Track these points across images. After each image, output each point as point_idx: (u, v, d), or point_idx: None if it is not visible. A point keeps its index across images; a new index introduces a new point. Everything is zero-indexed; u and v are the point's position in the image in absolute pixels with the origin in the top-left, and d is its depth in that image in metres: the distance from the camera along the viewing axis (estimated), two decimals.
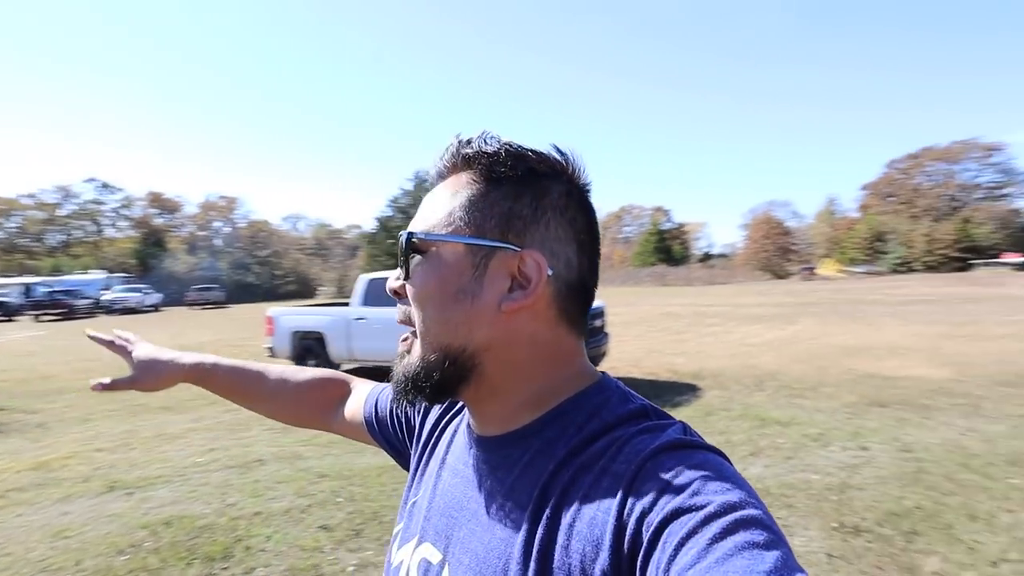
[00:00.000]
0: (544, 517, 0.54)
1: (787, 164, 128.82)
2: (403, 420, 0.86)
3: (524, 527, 0.55)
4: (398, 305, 0.65)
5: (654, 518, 0.46)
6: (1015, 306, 16.24)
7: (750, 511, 0.45)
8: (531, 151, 0.61)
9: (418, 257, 0.61)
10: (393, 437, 0.87)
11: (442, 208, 0.62)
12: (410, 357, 0.62)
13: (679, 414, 4.28)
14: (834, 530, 3.10)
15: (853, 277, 47.61)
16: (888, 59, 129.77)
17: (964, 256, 48.80)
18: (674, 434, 0.55)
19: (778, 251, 61.95)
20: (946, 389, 6.50)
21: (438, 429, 0.77)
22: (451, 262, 0.60)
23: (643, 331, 13.82)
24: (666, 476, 0.49)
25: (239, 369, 1.04)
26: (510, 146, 0.60)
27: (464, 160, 0.63)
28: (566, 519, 0.53)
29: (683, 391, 6.99)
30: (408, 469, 0.83)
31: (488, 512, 0.60)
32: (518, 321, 0.61)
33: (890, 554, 2.82)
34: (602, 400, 0.61)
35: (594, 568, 0.49)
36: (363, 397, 0.96)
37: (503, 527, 0.58)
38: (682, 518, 0.45)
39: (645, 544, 0.46)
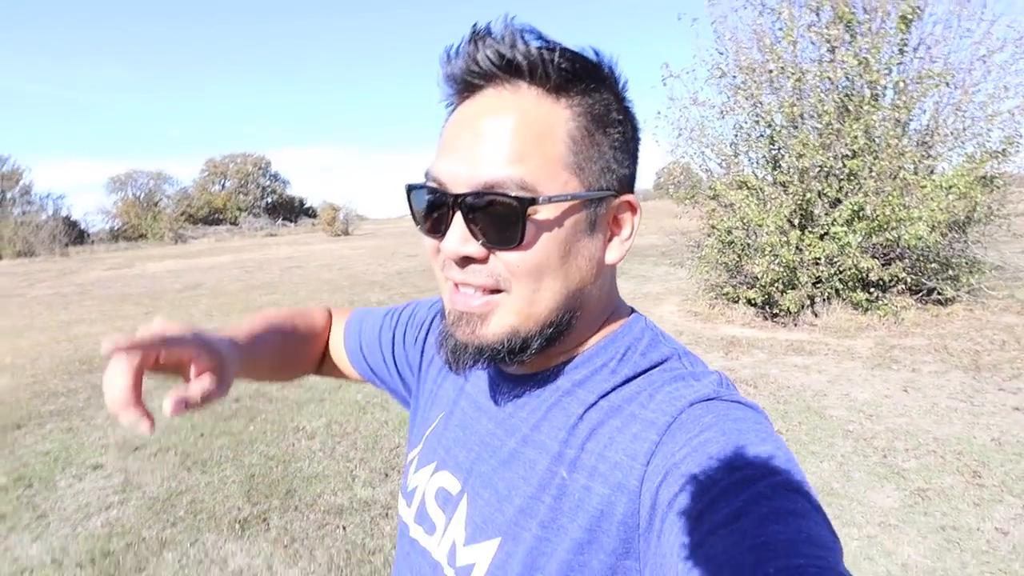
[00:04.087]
0: (568, 459, 0.53)
1: None
2: (400, 343, 0.81)
3: (547, 467, 0.54)
4: (460, 266, 0.54)
5: (687, 471, 0.44)
6: None
7: (789, 475, 0.43)
8: (610, 68, 0.54)
9: (533, 224, 0.51)
10: (383, 365, 0.83)
11: (539, 155, 0.51)
12: (490, 327, 0.54)
13: None
14: None
15: None
16: None
17: None
18: (711, 386, 0.52)
19: None
20: None
21: None
22: (570, 224, 0.53)
23: None
24: (701, 430, 0.47)
25: (275, 336, 0.81)
26: (601, 64, 0.53)
27: (552, 80, 0.51)
28: (590, 460, 0.52)
29: None
30: (399, 396, 0.83)
31: (512, 449, 0.58)
32: (609, 272, 0.59)
33: None
34: (634, 340, 0.59)
35: (615, 511, 0.49)
36: (342, 331, 0.90)
37: (526, 466, 0.56)
38: (717, 476, 0.43)
39: (675, 496, 0.44)
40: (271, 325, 0.80)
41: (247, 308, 10.20)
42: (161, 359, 0.54)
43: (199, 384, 0.55)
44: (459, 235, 0.52)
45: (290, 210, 56.16)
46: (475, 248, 0.52)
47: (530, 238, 0.51)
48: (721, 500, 0.41)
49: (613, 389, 0.56)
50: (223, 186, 55.19)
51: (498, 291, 0.53)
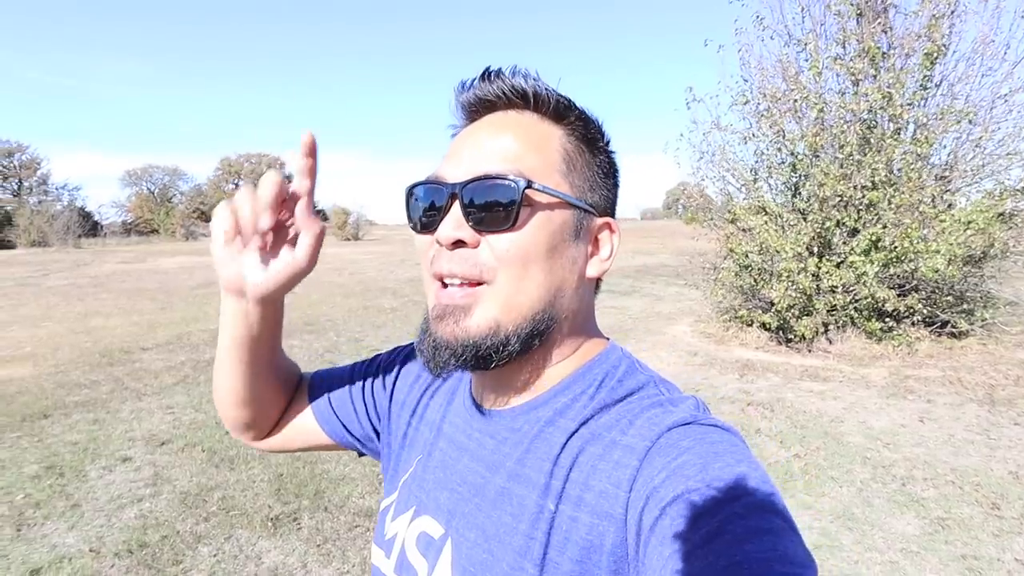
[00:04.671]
0: (555, 491, 0.53)
1: None
2: (370, 392, 0.78)
3: (535, 501, 0.54)
4: (445, 254, 0.57)
5: (666, 495, 0.45)
6: None
7: (764, 495, 0.44)
8: (594, 118, 0.62)
9: (528, 209, 0.55)
10: (355, 421, 0.78)
11: (537, 157, 0.57)
12: (473, 319, 0.55)
13: None
14: None
15: None
16: None
17: None
18: (688, 410, 0.53)
19: None
20: None
21: (424, 395, 0.74)
22: (559, 220, 0.57)
23: None
24: (679, 454, 0.48)
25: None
26: (585, 109, 0.61)
27: (550, 108, 0.59)
28: (575, 491, 0.52)
29: None
30: (369, 449, 0.79)
31: (496, 486, 0.58)
32: (587, 289, 0.62)
33: None
34: (612, 367, 0.60)
35: (604, 541, 0.49)
36: (306, 393, 0.81)
37: (513, 502, 0.56)
38: (694, 498, 0.44)
39: (656, 520, 0.45)
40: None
41: None
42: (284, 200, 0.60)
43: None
44: (454, 220, 0.56)
45: None
46: (468, 233, 0.55)
47: (523, 221, 0.55)
48: (698, 521, 0.42)
49: (592, 416, 0.56)
50: (236, 185, 55.42)
51: (481, 283, 0.55)
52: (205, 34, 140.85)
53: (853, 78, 6.48)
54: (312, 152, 0.60)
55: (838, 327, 6.61)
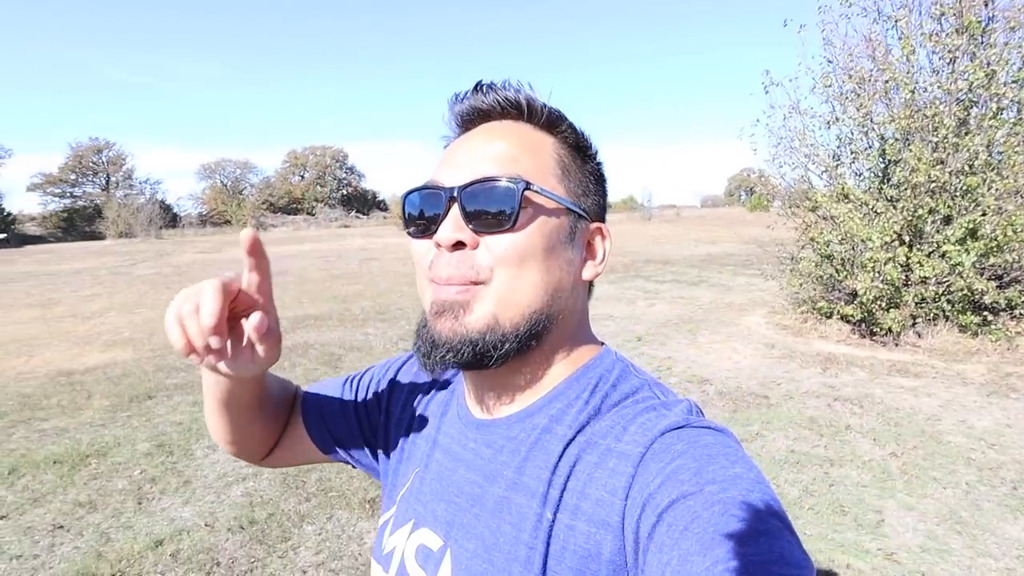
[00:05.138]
0: (552, 500, 0.53)
1: None
2: (363, 408, 0.78)
3: (534, 510, 0.54)
4: (444, 257, 0.57)
5: (662, 501, 0.45)
6: None
7: (759, 497, 0.44)
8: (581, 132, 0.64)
9: (526, 210, 0.56)
10: (348, 434, 0.78)
11: (533, 162, 0.58)
12: (472, 315, 0.56)
13: None
14: None
15: None
16: None
17: None
18: (681, 414, 0.54)
19: None
20: None
21: (418, 408, 0.74)
22: (555, 223, 0.58)
23: None
24: (673, 458, 0.48)
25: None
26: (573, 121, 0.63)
27: (543, 118, 0.61)
28: (572, 500, 0.52)
29: None
30: (364, 465, 0.79)
31: (495, 496, 0.58)
32: (582, 292, 0.63)
33: None
34: (605, 371, 0.60)
35: (602, 550, 0.49)
36: (299, 407, 0.81)
37: (513, 511, 0.55)
38: (689, 502, 0.44)
39: (652, 526, 0.45)
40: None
41: (333, 297, 10.67)
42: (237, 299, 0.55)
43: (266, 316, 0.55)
44: (453, 223, 0.56)
45: (363, 203, 58.07)
46: (468, 234, 0.56)
47: (522, 222, 0.56)
48: (694, 526, 0.42)
49: (588, 422, 0.56)
50: (302, 177, 57.53)
51: (476, 283, 0.56)
52: (267, 32, 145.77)
53: (950, 55, 6.08)
54: (254, 250, 0.55)
55: (927, 320, 6.27)
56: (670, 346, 6.50)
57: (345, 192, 57.99)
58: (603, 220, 0.65)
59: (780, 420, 4.26)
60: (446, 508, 0.61)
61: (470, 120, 0.63)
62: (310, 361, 6.28)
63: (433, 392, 0.74)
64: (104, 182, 47.13)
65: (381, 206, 57.61)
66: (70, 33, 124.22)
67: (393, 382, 0.79)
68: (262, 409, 0.74)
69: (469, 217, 0.56)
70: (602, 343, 0.66)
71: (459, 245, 0.56)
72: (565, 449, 0.55)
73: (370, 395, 0.79)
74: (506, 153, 0.58)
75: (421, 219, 0.60)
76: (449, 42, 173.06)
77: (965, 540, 2.73)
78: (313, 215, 49.40)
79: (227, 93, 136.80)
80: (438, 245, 0.57)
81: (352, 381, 0.82)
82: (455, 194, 0.56)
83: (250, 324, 0.54)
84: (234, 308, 0.55)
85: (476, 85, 0.62)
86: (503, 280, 0.55)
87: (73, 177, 46.27)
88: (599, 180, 0.65)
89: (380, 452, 0.77)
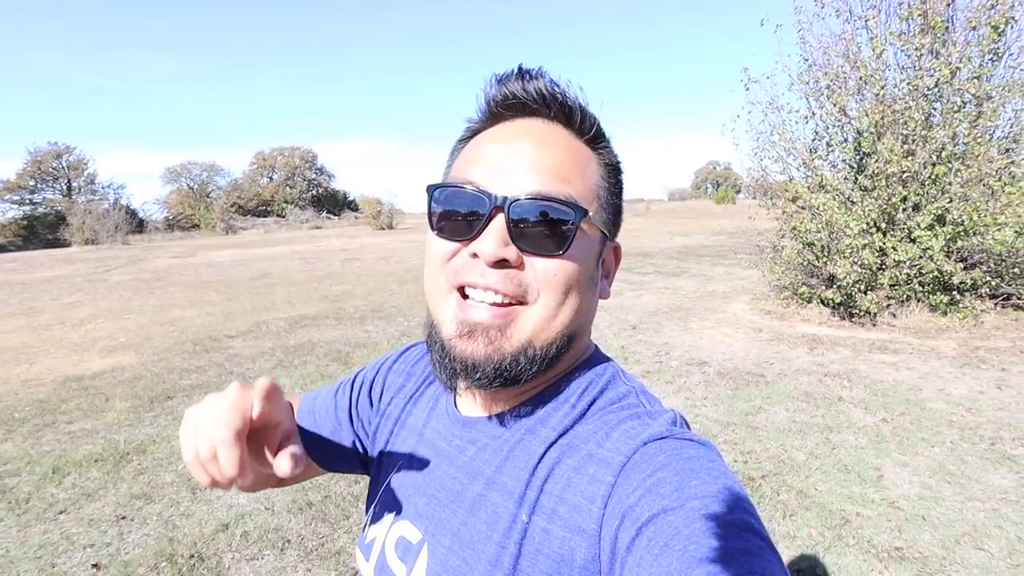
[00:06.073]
0: (529, 502, 0.53)
1: None
2: (356, 414, 0.78)
3: (510, 510, 0.54)
4: (480, 267, 0.54)
5: (642, 514, 0.45)
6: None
7: (740, 515, 0.43)
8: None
9: (579, 237, 0.55)
10: (340, 446, 0.78)
11: (583, 183, 0.56)
12: (509, 340, 0.54)
13: None
14: None
15: None
16: None
17: None
18: (664, 424, 0.53)
19: None
20: None
21: (408, 403, 0.74)
22: (595, 249, 0.58)
23: None
24: (655, 470, 0.47)
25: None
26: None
27: (591, 132, 0.58)
28: (550, 504, 0.52)
29: None
30: (361, 468, 0.78)
31: (473, 493, 0.58)
32: (596, 309, 0.63)
33: None
34: (595, 376, 0.60)
35: (575, 556, 0.49)
36: (302, 423, 0.81)
37: (488, 510, 0.55)
38: (670, 517, 0.43)
39: (631, 539, 0.44)
40: None
41: (323, 297, 10.76)
42: (255, 419, 0.52)
43: (296, 446, 0.54)
44: (499, 237, 0.53)
45: (334, 203, 57.41)
46: (514, 252, 0.53)
47: (573, 250, 0.54)
48: (675, 543, 0.42)
49: (572, 426, 0.56)
50: (271, 178, 56.67)
51: (519, 302, 0.54)
52: (231, 31, 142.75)
53: (917, 53, 6.54)
54: (268, 396, 0.53)
55: (900, 302, 6.73)
56: (664, 333, 6.84)
57: (315, 193, 57.37)
58: (616, 237, 0.64)
59: (779, 395, 4.61)
60: (426, 502, 0.62)
61: (509, 109, 0.58)
62: (319, 358, 6.43)
63: (423, 388, 0.74)
64: (65, 188, 45.80)
65: (352, 206, 57.14)
66: (23, 32, 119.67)
67: (385, 381, 0.78)
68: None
69: (516, 235, 0.53)
70: (595, 346, 0.65)
71: (503, 263, 0.53)
72: (546, 451, 0.55)
73: (362, 398, 0.78)
74: (560, 170, 0.54)
75: (454, 219, 0.56)
76: (416, 37, 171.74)
77: (955, 488, 3.09)
78: (283, 217, 48.81)
79: (190, 93, 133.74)
80: (474, 255, 0.54)
81: (344, 387, 0.81)
82: (503, 204, 0.53)
83: (281, 467, 0.52)
84: (255, 425, 0.52)
85: (521, 71, 0.57)
86: (547, 305, 0.54)
87: (32, 183, 44.81)
88: (622, 199, 0.63)
89: (371, 450, 0.76)
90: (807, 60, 7.21)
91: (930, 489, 3.11)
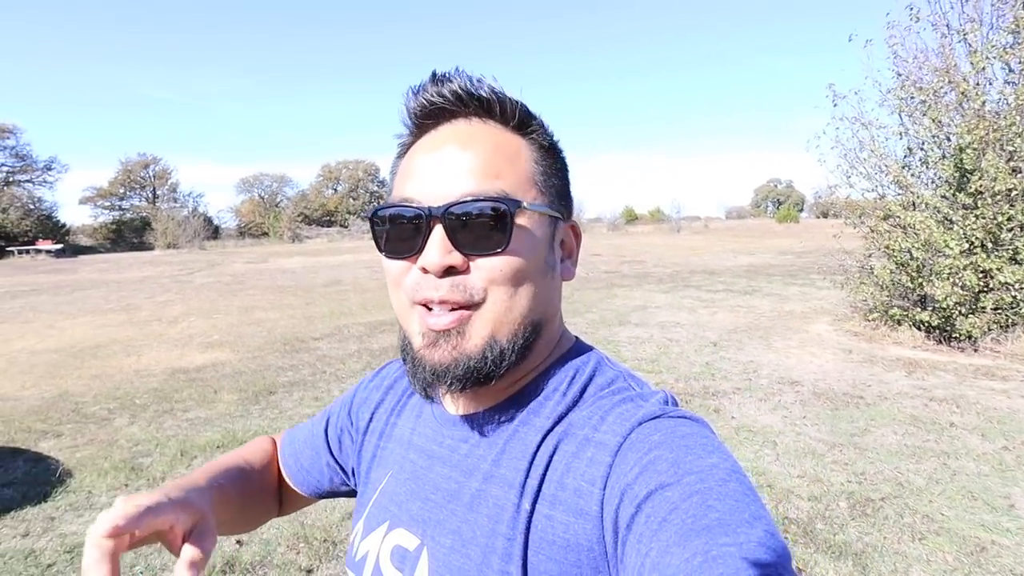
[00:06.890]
0: (531, 490, 0.53)
1: None
2: (337, 441, 0.80)
3: (512, 501, 0.54)
4: (432, 281, 0.54)
5: (640, 491, 0.46)
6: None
7: (735, 487, 0.44)
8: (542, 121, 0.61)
9: (517, 229, 0.54)
10: (328, 472, 0.80)
11: (514, 174, 0.56)
12: (470, 340, 0.54)
13: None
14: None
15: None
16: None
17: None
18: (657, 404, 0.54)
19: None
20: None
21: (391, 416, 0.74)
22: (542, 235, 0.57)
23: None
24: (651, 448, 0.48)
25: (234, 473, 0.75)
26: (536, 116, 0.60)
27: (515, 118, 0.58)
28: (551, 490, 0.52)
29: None
30: (349, 492, 0.80)
31: (472, 490, 0.57)
32: (560, 290, 0.63)
33: None
34: (582, 364, 0.61)
35: (580, 538, 0.49)
36: (280, 456, 0.85)
37: (490, 503, 0.55)
38: (667, 493, 0.44)
39: (630, 516, 0.45)
40: (227, 465, 0.75)
41: None
42: (138, 535, 0.48)
43: (193, 551, 0.50)
44: (441, 247, 0.53)
45: None
46: (458, 258, 0.53)
47: (514, 243, 0.54)
48: (673, 517, 0.42)
49: (565, 413, 0.57)
50: (335, 190, 58.88)
51: (470, 306, 0.54)
52: (295, 48, 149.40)
53: (1021, 67, 6.28)
54: (127, 522, 0.47)
55: (1003, 326, 6.41)
56: (748, 351, 6.72)
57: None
58: (571, 216, 0.64)
59: (883, 417, 4.47)
60: (421, 506, 0.61)
61: (430, 117, 0.59)
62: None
63: (405, 399, 0.74)
64: (150, 195, 49.16)
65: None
66: (101, 51, 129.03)
67: (364, 400, 0.79)
68: (247, 503, 0.76)
69: (457, 240, 0.53)
70: (576, 336, 0.65)
71: (450, 270, 0.54)
72: (543, 439, 0.55)
73: (343, 422, 0.80)
74: (486, 166, 0.55)
75: (398, 239, 0.57)
76: (473, 55, 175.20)
77: None
78: (346, 227, 50.52)
79: (259, 109, 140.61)
80: (424, 270, 0.54)
81: (324, 416, 0.84)
82: (438, 214, 0.53)
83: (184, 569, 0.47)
84: (144, 534, 0.49)
85: (434, 77, 0.58)
86: (498, 300, 0.54)
87: (122, 190, 48.55)
88: (567, 176, 0.63)
89: (357, 470, 0.76)
90: (900, 75, 7.02)
91: None
